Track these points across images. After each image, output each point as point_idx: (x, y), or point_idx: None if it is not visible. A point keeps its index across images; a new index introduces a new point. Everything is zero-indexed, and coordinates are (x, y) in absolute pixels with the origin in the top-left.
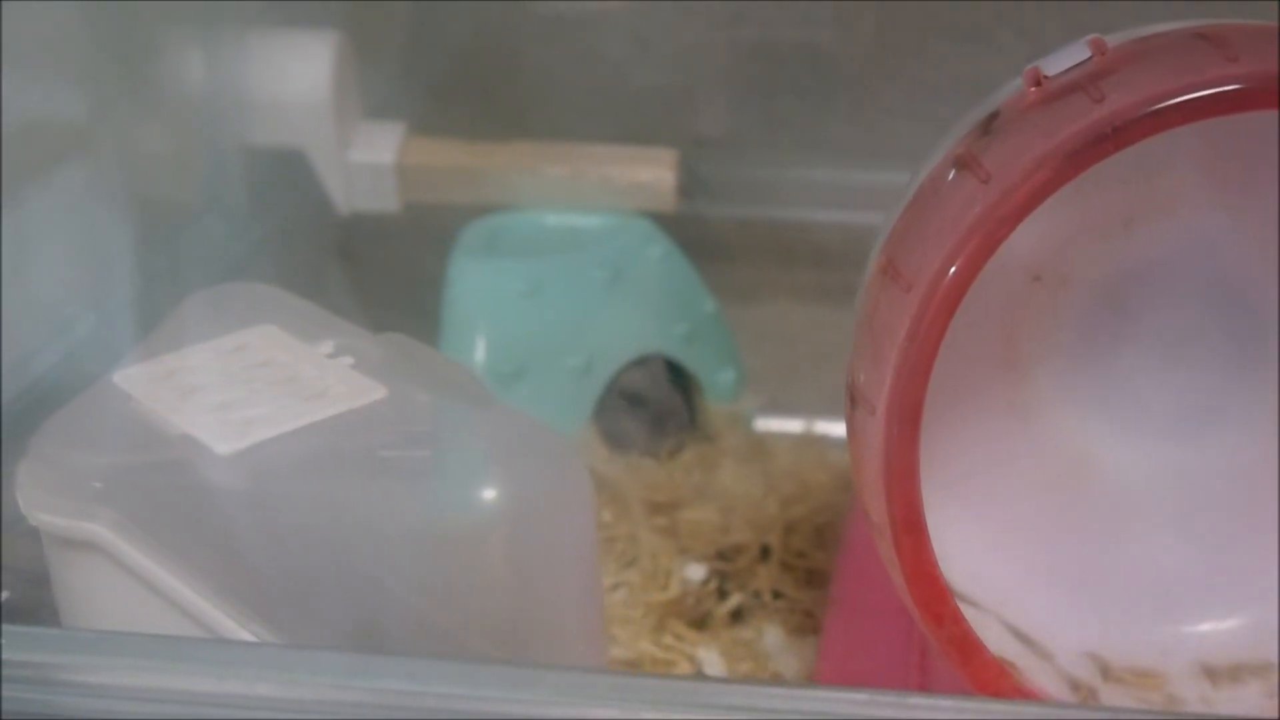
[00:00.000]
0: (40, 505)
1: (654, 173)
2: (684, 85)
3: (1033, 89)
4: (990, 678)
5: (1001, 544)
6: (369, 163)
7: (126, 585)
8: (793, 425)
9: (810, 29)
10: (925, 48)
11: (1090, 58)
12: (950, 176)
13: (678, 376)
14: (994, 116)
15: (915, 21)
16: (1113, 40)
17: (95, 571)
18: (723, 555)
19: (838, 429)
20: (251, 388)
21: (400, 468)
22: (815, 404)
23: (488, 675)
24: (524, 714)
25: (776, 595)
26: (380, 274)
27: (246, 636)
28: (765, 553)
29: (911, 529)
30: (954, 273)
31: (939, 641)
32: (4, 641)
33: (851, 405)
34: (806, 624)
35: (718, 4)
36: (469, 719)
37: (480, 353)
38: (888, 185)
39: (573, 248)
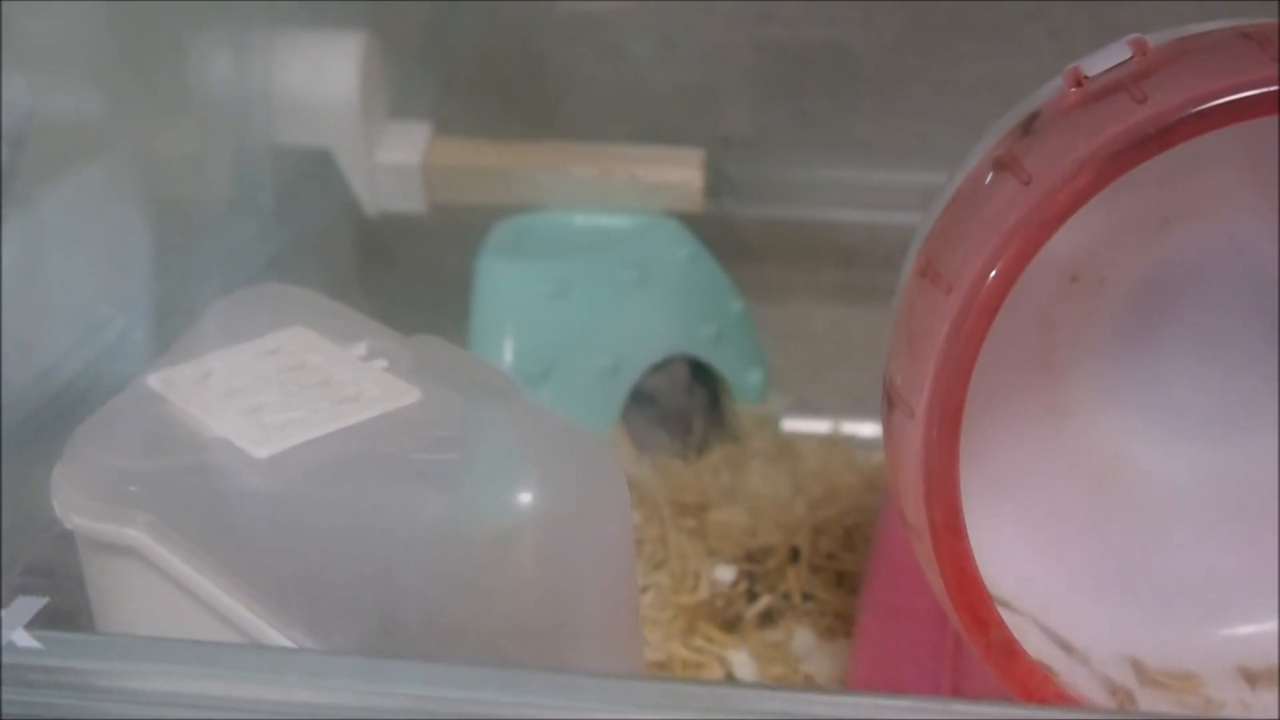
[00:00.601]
0: (76, 509)
1: (681, 173)
2: (710, 85)
3: (1073, 89)
4: (1034, 684)
5: (1038, 547)
6: (395, 163)
7: (163, 590)
8: (820, 426)
9: (837, 28)
10: (953, 47)
11: (1131, 58)
12: (990, 178)
13: (705, 377)
14: (1034, 117)
15: (943, 20)
16: (1154, 40)
17: (131, 576)
18: (752, 557)
19: (864, 429)
20: (285, 391)
21: (436, 471)
22: (842, 404)
23: (527, 681)
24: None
25: (806, 597)
26: (407, 275)
27: (284, 642)
28: (794, 554)
29: (952, 532)
30: (995, 275)
31: (980, 647)
32: (44, 647)
33: (889, 407)
34: (837, 626)
35: (744, 3)
36: None
37: (508, 354)
38: (915, 185)
39: (600, 248)
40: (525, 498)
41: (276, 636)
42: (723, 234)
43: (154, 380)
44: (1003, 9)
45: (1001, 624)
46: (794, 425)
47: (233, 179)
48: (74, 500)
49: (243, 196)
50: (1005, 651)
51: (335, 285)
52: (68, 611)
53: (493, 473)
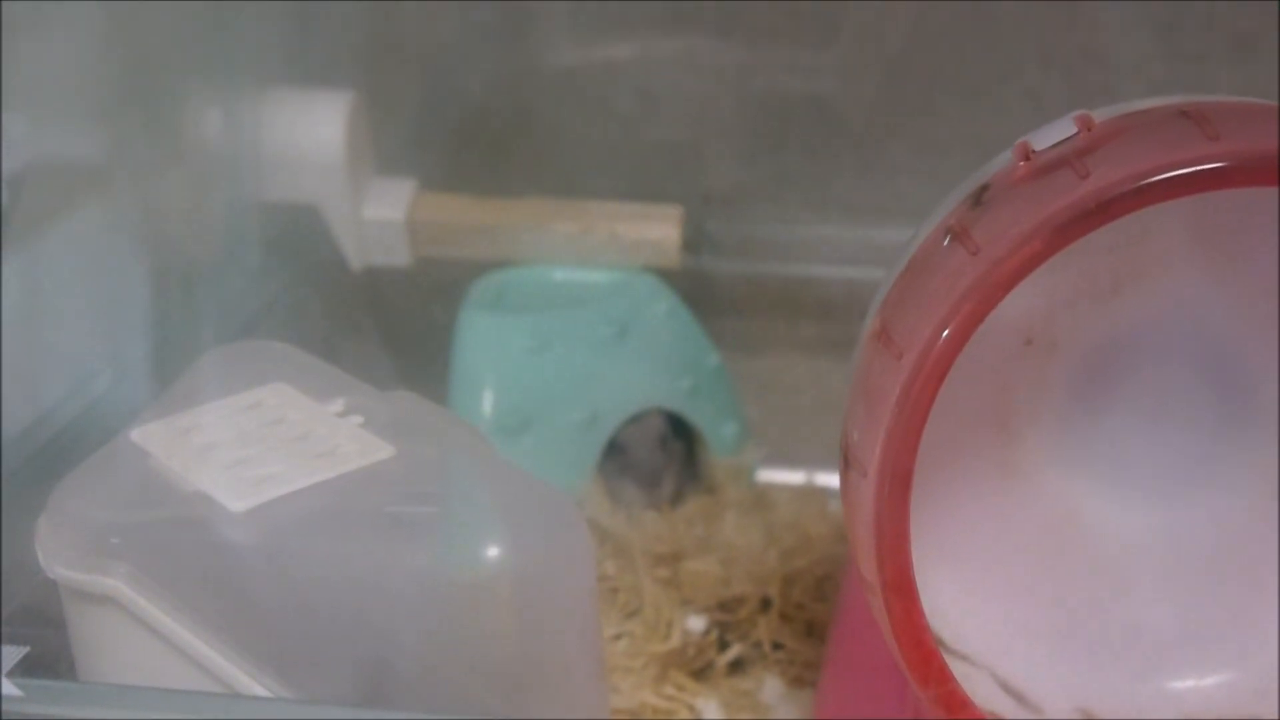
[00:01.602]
0: (59, 559)
1: (660, 229)
2: (692, 141)
3: (1022, 163)
4: None
5: (993, 600)
6: (381, 219)
7: (142, 639)
8: (794, 477)
9: (817, 86)
10: (931, 106)
11: (1077, 133)
12: (942, 246)
13: (681, 430)
14: (985, 189)
15: (921, 79)
16: (1099, 115)
17: (112, 625)
18: (724, 606)
19: (838, 481)
20: (265, 445)
21: (407, 524)
22: (817, 456)
23: None
24: None
25: (776, 646)
26: (392, 327)
27: (260, 691)
28: (766, 604)
29: (901, 591)
30: (944, 340)
31: (928, 699)
32: (24, 694)
33: (845, 466)
34: (806, 675)
35: (725, 60)
36: None
37: (487, 406)
38: (893, 241)
39: (580, 303)
40: (492, 550)
41: (252, 685)
42: (701, 289)
43: (137, 434)
44: (980, 70)
45: (948, 677)
46: (770, 476)
47: (222, 233)
48: (57, 550)
49: (232, 251)
50: (951, 704)
51: (321, 338)
52: (50, 659)
53: (463, 526)
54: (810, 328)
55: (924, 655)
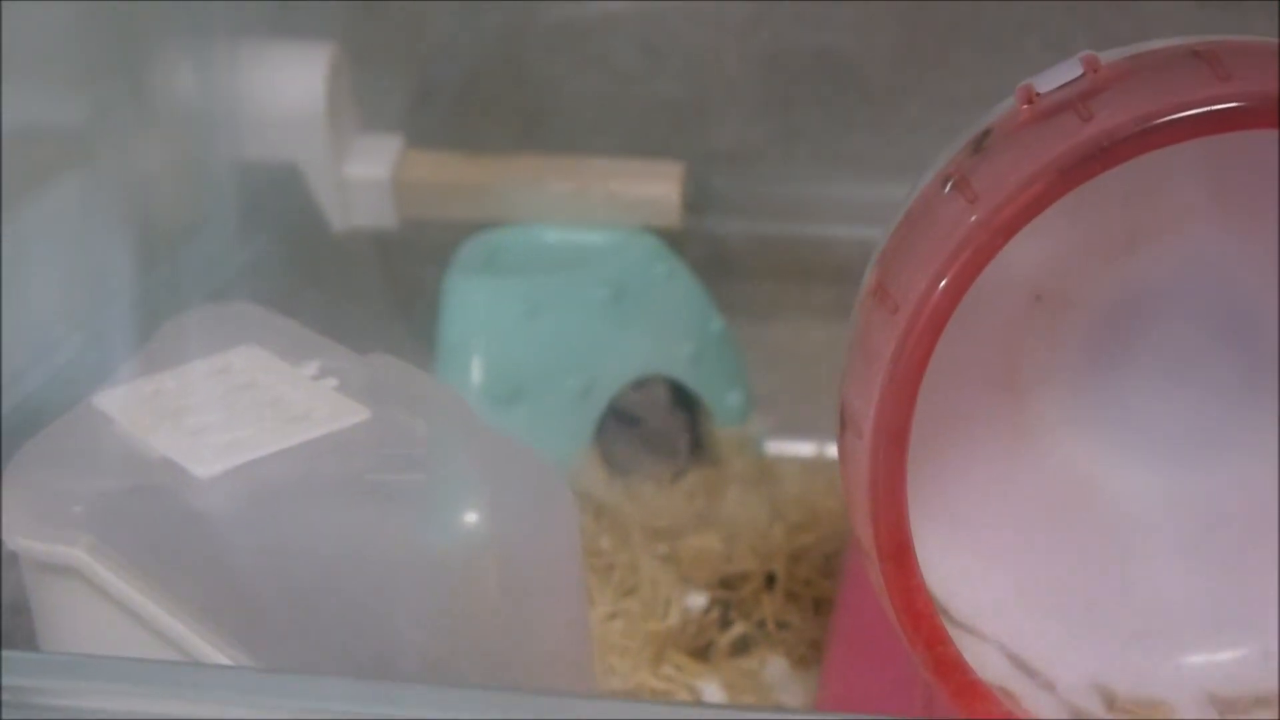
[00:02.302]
0: (19, 529)
1: (659, 187)
2: (696, 95)
3: (1025, 106)
4: (980, 703)
5: (1002, 571)
6: (365, 177)
7: (105, 611)
8: (803, 449)
9: (829, 36)
10: (948, 57)
11: (1082, 75)
12: (940, 195)
13: (683, 399)
14: (986, 134)
15: (938, 30)
16: (1107, 57)
17: (74, 597)
18: (726, 584)
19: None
20: (234, 410)
21: (382, 491)
22: (827, 427)
23: (469, 699)
24: None
25: (781, 625)
26: (376, 292)
27: (224, 661)
28: (770, 581)
29: (897, 555)
30: (940, 292)
31: (925, 666)
32: None
33: (842, 428)
34: (812, 655)
35: (731, 8)
36: None
37: (476, 374)
38: None
39: (574, 265)
40: (470, 518)
41: (216, 655)
42: (705, 251)
43: (100, 400)
44: (999, 19)
45: (945, 639)
46: (778, 448)
47: (197, 194)
48: (17, 520)
49: (207, 212)
50: (957, 676)
51: (301, 302)
52: (11, 630)
53: (441, 493)
54: (822, 292)
55: (920, 620)
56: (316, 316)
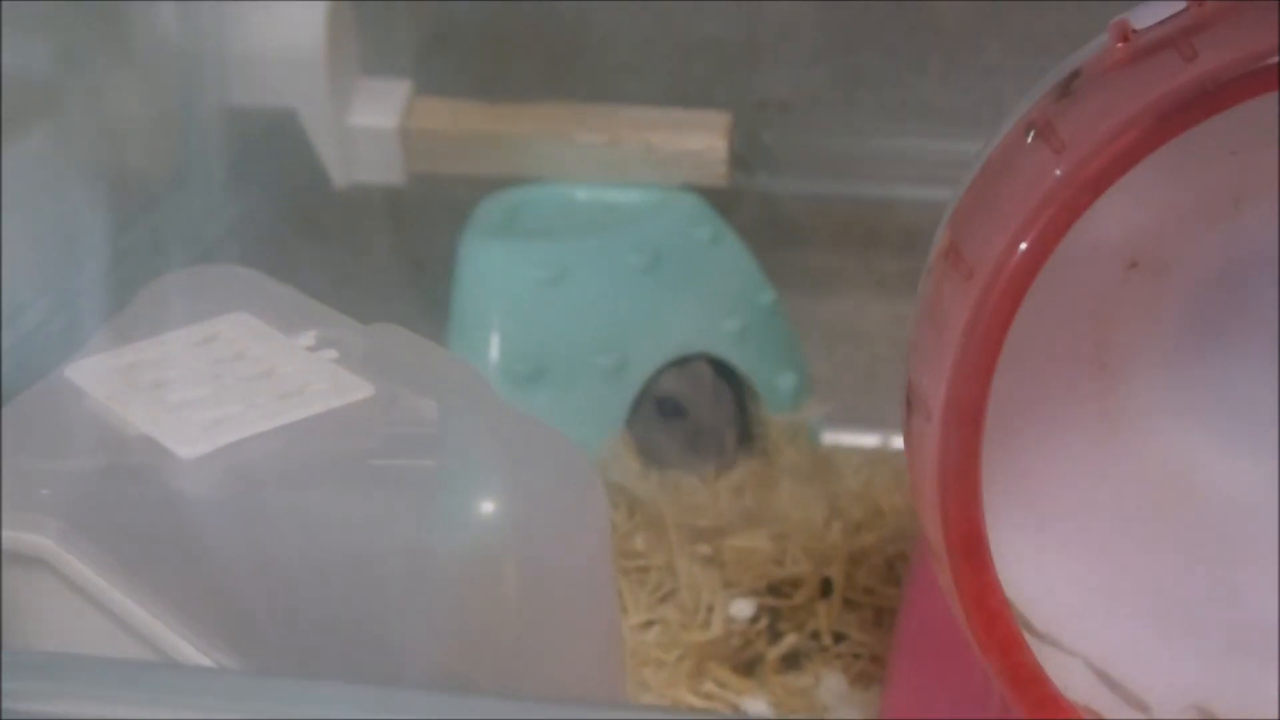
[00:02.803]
0: None
1: (704, 140)
2: (745, 35)
3: (1119, 44)
4: None
5: (1089, 575)
6: (369, 127)
7: (76, 604)
8: (865, 440)
9: None
10: None
11: (1185, 9)
12: (1022, 145)
13: (729, 380)
14: (1074, 76)
15: None
16: None
17: (42, 588)
18: (776, 590)
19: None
20: (221, 384)
21: (386, 478)
22: (893, 413)
23: (480, 708)
24: None
25: (838, 637)
26: (381, 256)
27: (206, 663)
28: (826, 587)
29: (969, 552)
30: (1022, 254)
31: (1001, 679)
32: None
33: (908, 410)
34: (872, 671)
35: None
36: None
37: (494, 349)
38: None
39: (606, 228)
40: (488, 509)
41: (198, 657)
42: (755, 212)
43: (72, 371)
44: None
45: (1033, 661)
46: (836, 438)
47: (179, 146)
48: None
49: (193, 164)
50: (1037, 691)
51: (296, 267)
52: None
53: (454, 479)
54: (887, 260)
55: (995, 625)
56: (314, 282)
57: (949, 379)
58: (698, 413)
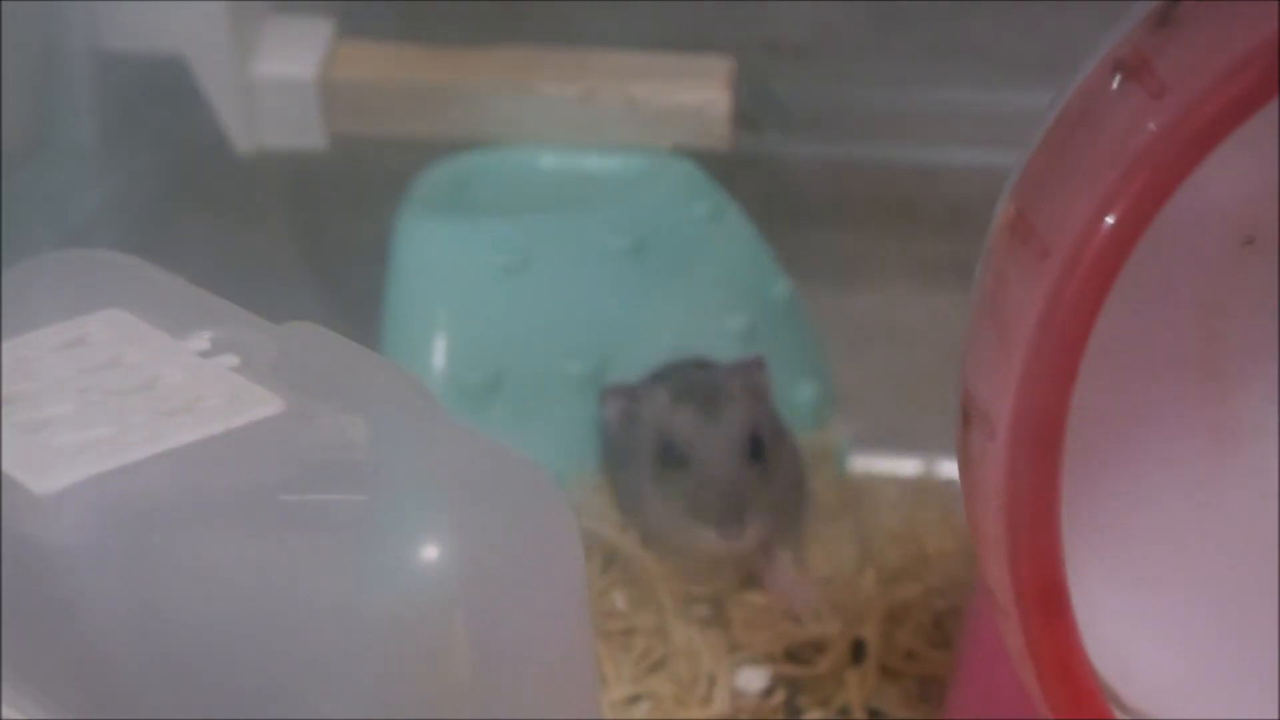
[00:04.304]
0: None
1: (701, 93)
2: None
3: None
4: None
5: (1199, 639)
6: (280, 78)
7: None
8: (905, 466)
9: None
10: None
11: None
12: (1108, 90)
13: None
14: (1174, 2)
15: None
16: None
17: None
18: (794, 655)
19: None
20: (88, 398)
21: (302, 517)
22: (940, 433)
23: None
24: None
25: (874, 715)
26: (296, 240)
27: None
28: (858, 652)
29: (1046, 605)
30: (1109, 228)
31: None
32: None
33: (964, 424)
34: None
35: None
36: None
37: (439, 355)
38: None
39: (578, 203)
40: (433, 556)
41: None
42: (764, 183)
43: None
44: None
45: None
46: (868, 464)
47: (41, 100)
48: None
49: (55, 126)
50: None
51: (188, 253)
52: None
53: (389, 519)
54: (929, 241)
55: (1078, 698)
56: (211, 271)
57: (1017, 386)
58: (710, 465)
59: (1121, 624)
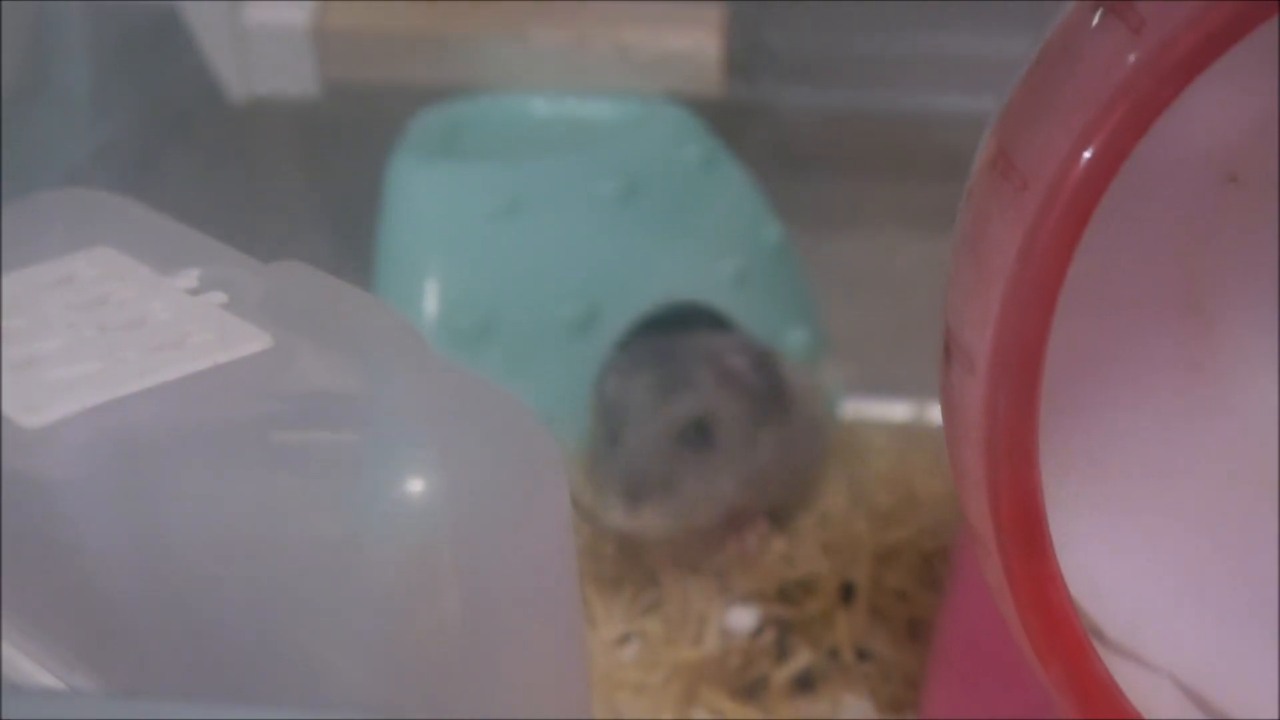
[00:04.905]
0: None
1: (693, 38)
2: None
3: None
4: None
5: (1178, 569)
6: (274, 24)
7: None
8: (896, 411)
9: None
10: None
11: None
12: (1086, 25)
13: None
14: None
15: None
16: None
17: None
18: (785, 596)
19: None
20: (77, 334)
21: (291, 452)
22: (929, 379)
23: None
24: None
25: (862, 654)
26: (289, 186)
27: (52, 683)
28: (848, 592)
29: (1025, 535)
30: (1088, 161)
31: (1064, 696)
32: None
33: (946, 361)
34: (904, 695)
35: None
36: None
37: (430, 299)
38: None
39: (569, 148)
40: (422, 490)
41: (41, 675)
42: (756, 129)
43: None
44: None
45: (1105, 675)
46: (859, 409)
47: (31, 48)
48: None
49: (47, 73)
50: (1110, 712)
51: (179, 199)
52: None
53: (376, 454)
54: (923, 189)
55: (1057, 628)
56: (202, 216)
57: (997, 318)
58: (630, 439)
59: (1100, 554)
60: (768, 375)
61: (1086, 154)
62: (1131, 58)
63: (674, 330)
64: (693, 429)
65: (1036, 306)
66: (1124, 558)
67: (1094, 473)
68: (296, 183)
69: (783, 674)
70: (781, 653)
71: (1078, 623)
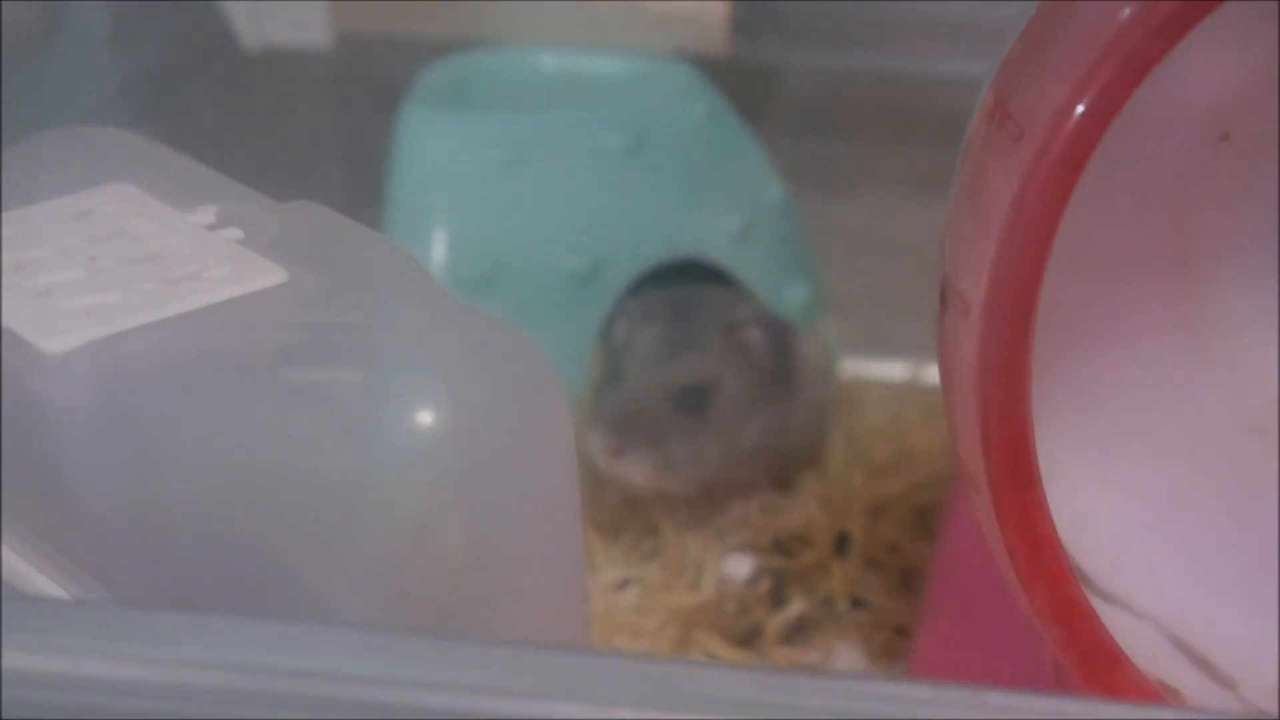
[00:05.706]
0: None
1: None
2: None
3: None
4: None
5: (1166, 519)
6: None
7: None
8: (893, 370)
9: None
10: None
11: None
12: None
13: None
14: None
15: None
16: None
17: None
18: (781, 546)
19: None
20: (97, 266)
21: (300, 382)
22: (926, 338)
23: (408, 649)
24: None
25: (856, 603)
26: (301, 135)
27: (62, 595)
28: (842, 543)
29: (1015, 471)
30: (1081, 114)
31: (1057, 644)
32: None
33: (942, 305)
34: (896, 644)
35: None
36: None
37: (439, 247)
38: None
39: (576, 102)
40: (427, 421)
41: (55, 590)
42: (761, 88)
43: None
44: None
45: (1086, 611)
46: (857, 367)
47: None
48: None
49: (62, 18)
50: (1097, 655)
51: (195, 145)
52: None
53: (383, 383)
54: (925, 152)
55: (1046, 568)
56: (216, 158)
57: (992, 263)
58: (625, 383)
59: (1090, 502)
60: (780, 354)
61: (1080, 106)
62: (1124, 12)
63: (678, 284)
64: (690, 393)
65: (1030, 251)
66: (1113, 508)
67: (1087, 426)
68: (306, 133)
69: (777, 621)
70: (776, 601)
71: (1061, 550)
